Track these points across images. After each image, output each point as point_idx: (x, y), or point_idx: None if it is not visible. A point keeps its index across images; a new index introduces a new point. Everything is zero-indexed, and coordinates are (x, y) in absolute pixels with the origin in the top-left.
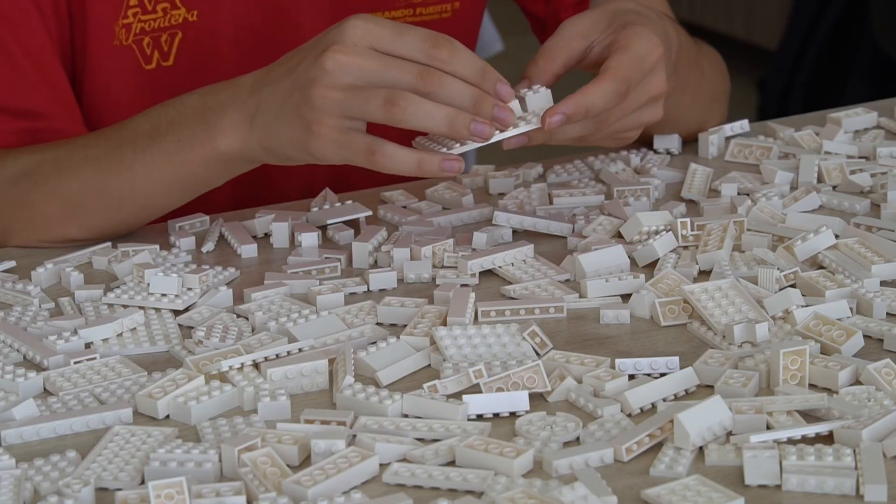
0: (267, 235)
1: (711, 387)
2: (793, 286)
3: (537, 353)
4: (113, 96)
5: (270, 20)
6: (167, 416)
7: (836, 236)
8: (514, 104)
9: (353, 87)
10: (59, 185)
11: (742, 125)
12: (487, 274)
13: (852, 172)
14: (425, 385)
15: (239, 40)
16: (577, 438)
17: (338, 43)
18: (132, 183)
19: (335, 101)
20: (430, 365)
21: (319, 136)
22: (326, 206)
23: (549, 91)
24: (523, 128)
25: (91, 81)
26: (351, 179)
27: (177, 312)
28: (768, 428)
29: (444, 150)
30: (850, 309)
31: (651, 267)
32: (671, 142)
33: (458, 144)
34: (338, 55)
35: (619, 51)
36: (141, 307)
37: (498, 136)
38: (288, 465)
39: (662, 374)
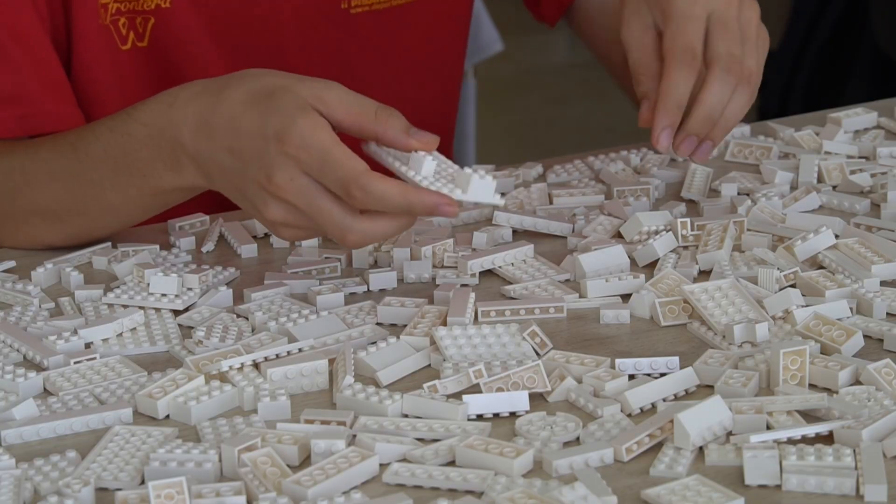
0: (267, 235)
1: (711, 387)
2: (793, 286)
3: (537, 353)
4: (98, 76)
5: (243, 14)
6: (167, 416)
7: (836, 236)
8: (429, 164)
9: (304, 217)
10: (35, 200)
11: (743, 132)
12: (487, 274)
13: (852, 172)
14: (425, 385)
15: (211, 28)
16: (577, 438)
17: (274, 180)
18: (108, 204)
19: (295, 236)
20: (430, 365)
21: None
22: None
23: (493, 181)
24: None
25: (79, 61)
26: None
27: (177, 312)
28: (768, 428)
29: (391, 159)
30: (850, 309)
31: (651, 267)
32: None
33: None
34: (279, 204)
35: (666, 24)
36: (141, 307)
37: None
38: (288, 465)
39: (662, 374)
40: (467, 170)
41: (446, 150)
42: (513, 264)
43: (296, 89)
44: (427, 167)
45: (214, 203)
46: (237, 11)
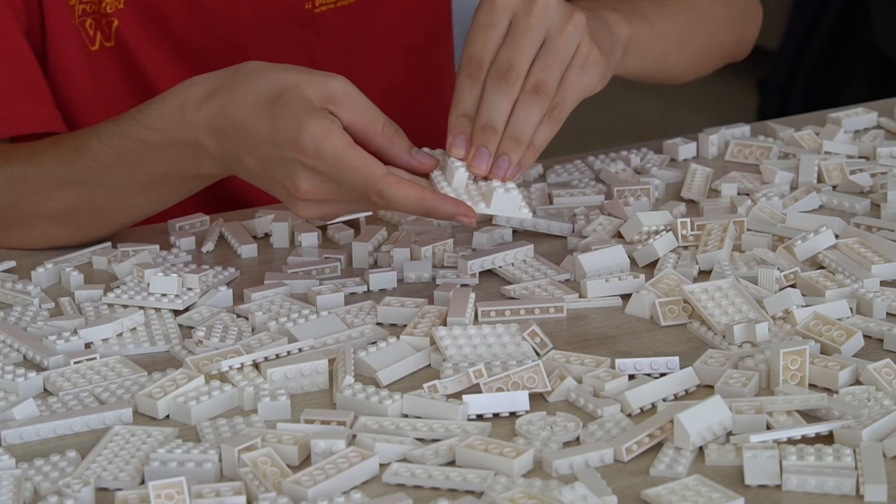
0: (267, 235)
1: (711, 387)
2: (793, 286)
3: (537, 353)
4: (73, 76)
5: (198, 17)
6: (167, 416)
7: (836, 236)
8: (462, 174)
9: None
10: (43, 206)
11: (743, 132)
12: (487, 274)
13: (852, 172)
14: (425, 385)
15: (169, 30)
16: (577, 438)
17: (301, 188)
18: (125, 202)
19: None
20: (430, 365)
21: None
22: None
23: (518, 195)
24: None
25: (54, 61)
26: None
27: (177, 312)
28: (768, 428)
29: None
30: (850, 309)
31: (651, 267)
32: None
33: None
34: (308, 204)
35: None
36: (141, 307)
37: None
38: (288, 465)
39: (662, 374)
40: (493, 184)
41: (441, 146)
42: (513, 264)
43: (303, 88)
44: (459, 178)
45: (214, 203)
46: (191, 14)
